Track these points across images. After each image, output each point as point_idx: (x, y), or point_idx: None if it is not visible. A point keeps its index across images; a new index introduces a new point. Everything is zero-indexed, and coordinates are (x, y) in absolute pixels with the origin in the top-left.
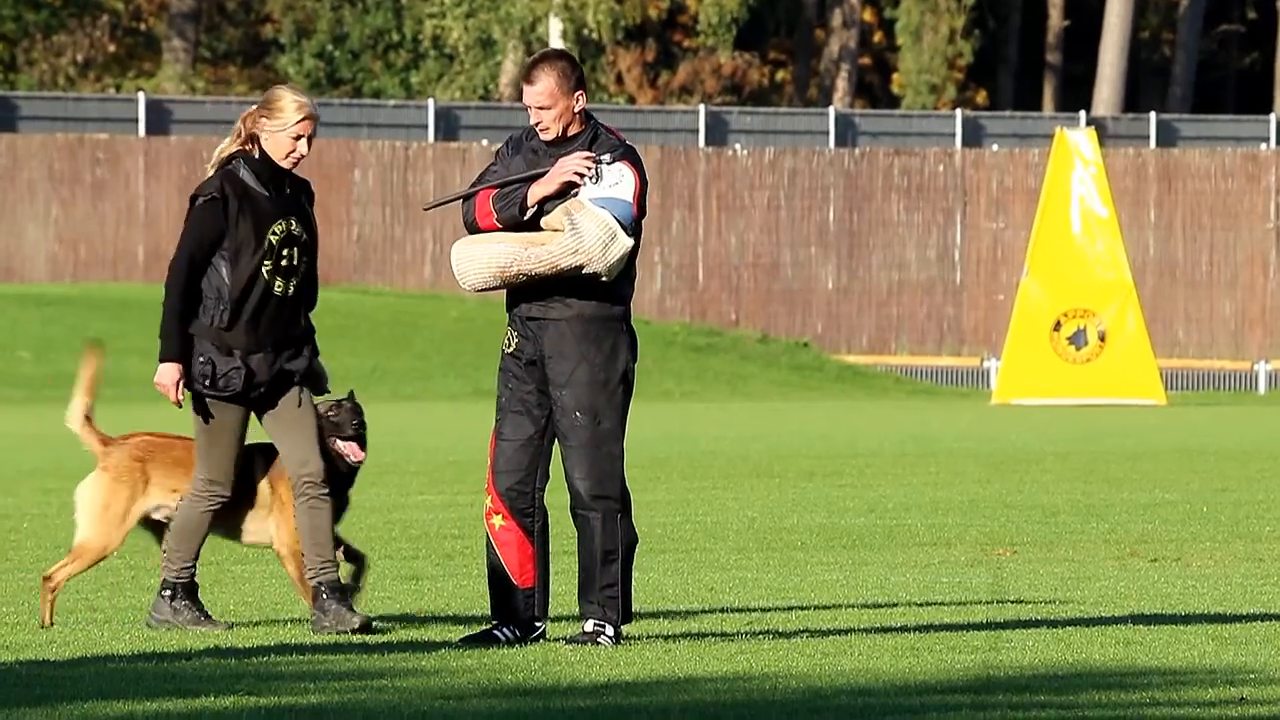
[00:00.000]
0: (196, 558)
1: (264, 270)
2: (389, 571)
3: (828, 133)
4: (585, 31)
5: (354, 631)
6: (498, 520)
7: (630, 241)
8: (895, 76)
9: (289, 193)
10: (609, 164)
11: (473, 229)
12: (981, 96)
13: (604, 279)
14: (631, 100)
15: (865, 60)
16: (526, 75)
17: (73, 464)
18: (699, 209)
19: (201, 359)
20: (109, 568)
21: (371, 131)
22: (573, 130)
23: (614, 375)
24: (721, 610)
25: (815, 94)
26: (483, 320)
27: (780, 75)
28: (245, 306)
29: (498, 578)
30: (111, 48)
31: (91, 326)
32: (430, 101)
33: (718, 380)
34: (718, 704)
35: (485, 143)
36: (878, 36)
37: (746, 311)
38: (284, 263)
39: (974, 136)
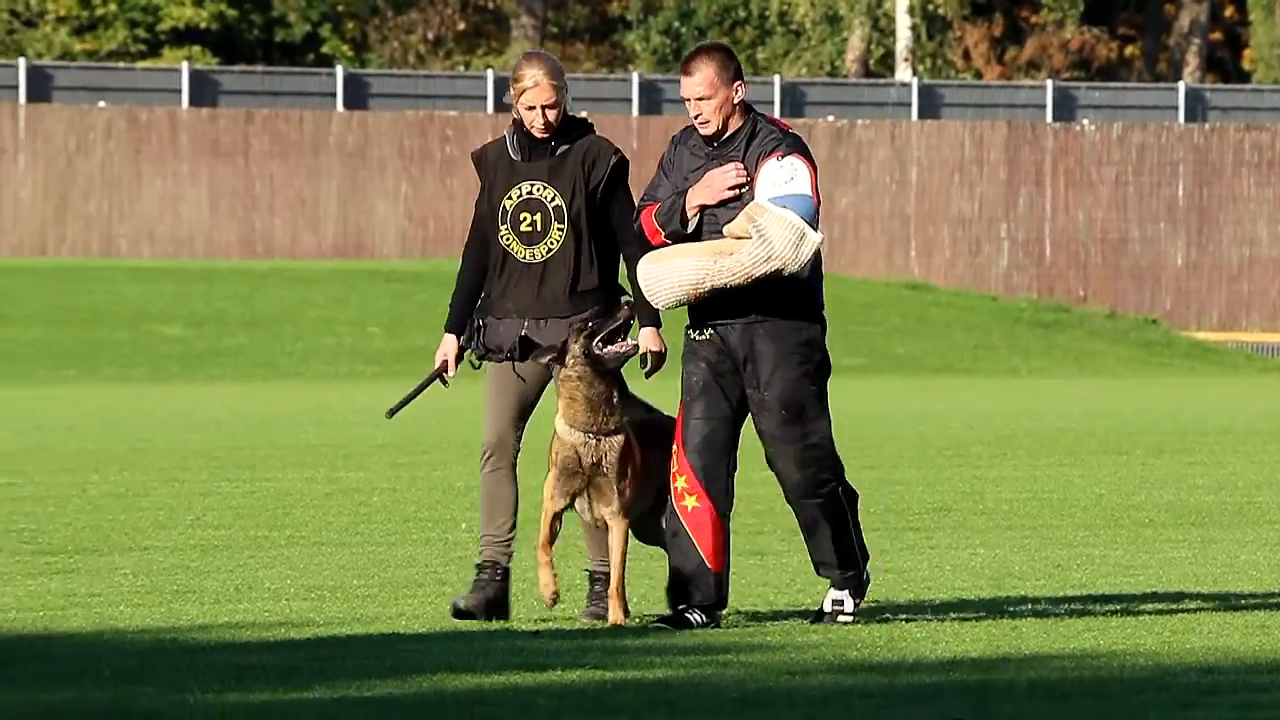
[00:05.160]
0: (494, 531)
1: (500, 236)
2: (734, 547)
3: (1177, 108)
4: (931, 7)
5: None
6: (690, 501)
7: (820, 236)
8: (1246, 51)
9: (554, 156)
10: (780, 160)
11: (647, 246)
12: None
13: (800, 276)
14: (978, 75)
15: (1216, 35)
16: (684, 67)
17: (426, 438)
18: (1046, 185)
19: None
20: (456, 540)
21: None
22: (733, 124)
23: (811, 366)
24: (1068, 587)
25: (1165, 69)
26: (828, 296)
27: (1129, 50)
28: (494, 271)
29: (688, 560)
30: (460, 25)
31: (440, 302)
32: (776, 78)
33: (1065, 357)
34: (1065, 681)
35: (830, 118)
36: (1229, 10)
37: (1094, 288)
38: (524, 227)
39: None
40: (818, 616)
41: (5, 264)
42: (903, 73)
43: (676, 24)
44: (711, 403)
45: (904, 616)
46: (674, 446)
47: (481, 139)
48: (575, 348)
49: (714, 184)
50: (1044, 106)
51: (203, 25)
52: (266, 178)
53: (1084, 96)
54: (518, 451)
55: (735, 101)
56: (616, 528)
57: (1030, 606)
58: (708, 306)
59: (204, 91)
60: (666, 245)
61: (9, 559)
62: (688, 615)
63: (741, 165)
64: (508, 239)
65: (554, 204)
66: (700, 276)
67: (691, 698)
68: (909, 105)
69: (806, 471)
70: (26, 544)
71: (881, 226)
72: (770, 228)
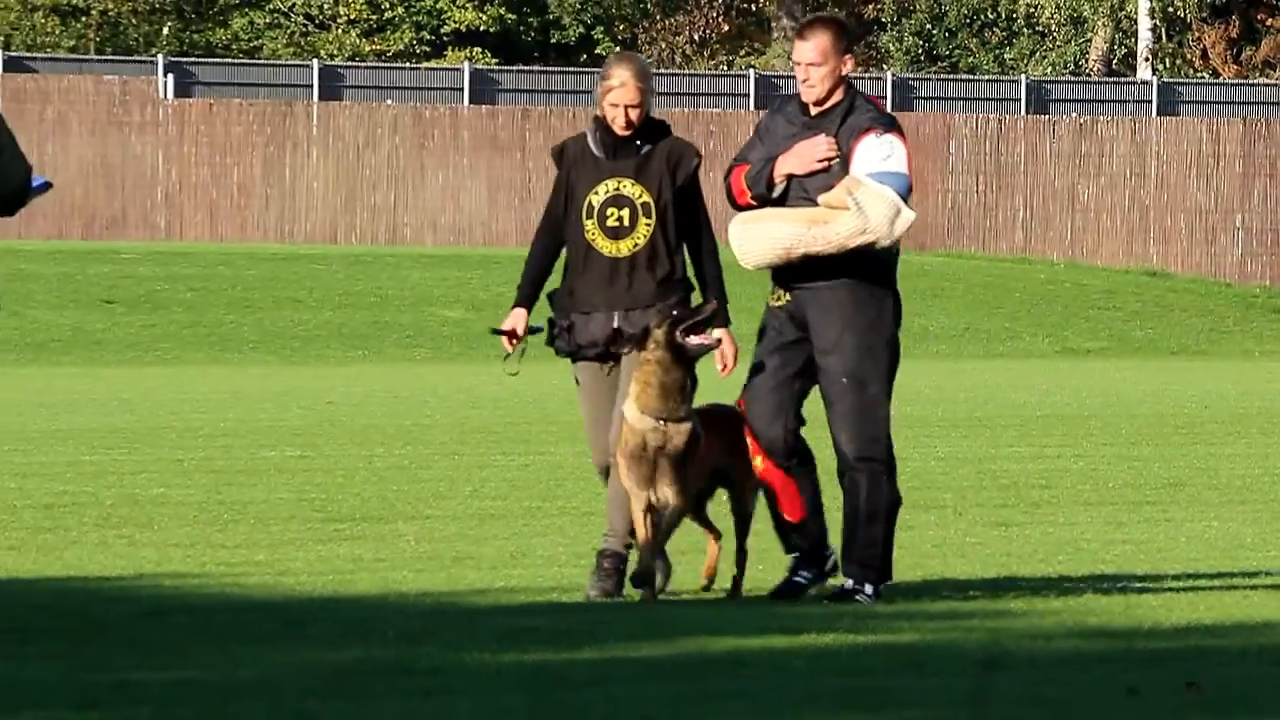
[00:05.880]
0: (620, 526)
1: (586, 231)
2: (979, 519)
3: None
4: (1171, 9)
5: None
6: (758, 461)
7: (913, 214)
8: None
9: (640, 155)
10: (879, 137)
11: (734, 206)
12: None
13: (891, 250)
14: (1215, 74)
15: None
16: (800, 32)
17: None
18: None
19: (549, 320)
20: (716, 513)
21: (966, 105)
22: (835, 96)
23: (879, 341)
24: None
25: None
26: (1070, 283)
27: None
28: (576, 267)
29: (773, 517)
30: (725, 27)
31: None
32: (1022, 77)
33: None
34: None
35: (1074, 114)
36: None
37: None
38: (610, 223)
39: None
40: (836, 595)
41: (299, 251)
42: (1143, 72)
43: (929, 26)
44: (773, 369)
45: (1141, 585)
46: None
47: (744, 135)
48: (658, 333)
49: (804, 155)
50: (1279, 104)
51: (483, 28)
52: (541, 170)
53: None
54: None
55: (842, 74)
56: (676, 507)
57: (1263, 578)
58: (791, 270)
59: (484, 90)
60: (753, 206)
61: (301, 526)
62: (795, 579)
63: (833, 139)
64: (593, 234)
65: (641, 200)
66: (793, 242)
67: (939, 660)
68: (1149, 103)
69: (860, 442)
70: (317, 512)
71: (1122, 217)
72: (868, 202)
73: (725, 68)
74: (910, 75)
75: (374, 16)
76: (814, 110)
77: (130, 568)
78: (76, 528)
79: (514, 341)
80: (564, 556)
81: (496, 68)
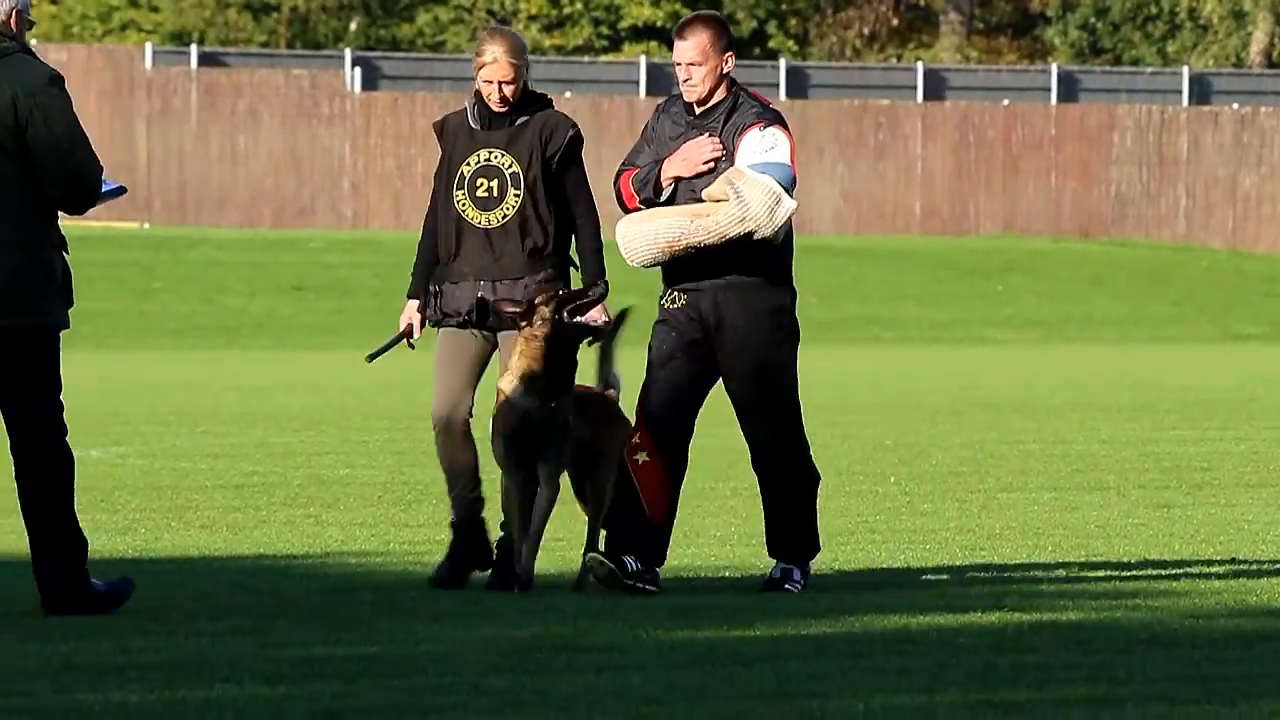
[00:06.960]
0: (460, 494)
1: (456, 201)
2: (1142, 500)
3: None
4: None
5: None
6: (642, 456)
7: (794, 203)
8: None
9: (513, 126)
10: (762, 130)
11: (624, 209)
12: None
13: (773, 242)
14: None
15: None
16: (679, 32)
17: (853, 399)
18: None
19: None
20: (886, 493)
21: (1130, 97)
22: (718, 95)
23: (781, 333)
24: None
25: None
26: (1231, 271)
27: None
28: (447, 237)
29: (631, 512)
30: (894, 21)
31: (870, 276)
32: (1184, 69)
33: None
34: None
35: (1235, 106)
36: None
37: None
38: (480, 193)
39: None
40: (767, 584)
41: None
42: None
43: (1093, 19)
44: (676, 368)
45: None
46: (635, 406)
47: (912, 125)
48: (545, 310)
49: (690, 157)
50: None
51: (659, 23)
52: None
53: None
54: (471, 416)
55: (723, 72)
56: (549, 490)
57: None
58: (681, 269)
59: (659, 82)
60: (641, 209)
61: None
62: (623, 559)
63: (718, 140)
64: (464, 204)
65: (510, 171)
66: (676, 234)
67: (1103, 638)
68: None
69: (776, 435)
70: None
71: None
72: (747, 191)
73: (895, 60)
74: (1075, 67)
75: (554, 12)
76: (698, 110)
77: (317, 546)
78: (265, 507)
79: (413, 341)
80: (736, 536)
81: (671, 61)
